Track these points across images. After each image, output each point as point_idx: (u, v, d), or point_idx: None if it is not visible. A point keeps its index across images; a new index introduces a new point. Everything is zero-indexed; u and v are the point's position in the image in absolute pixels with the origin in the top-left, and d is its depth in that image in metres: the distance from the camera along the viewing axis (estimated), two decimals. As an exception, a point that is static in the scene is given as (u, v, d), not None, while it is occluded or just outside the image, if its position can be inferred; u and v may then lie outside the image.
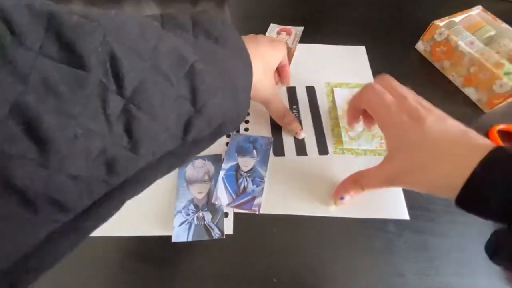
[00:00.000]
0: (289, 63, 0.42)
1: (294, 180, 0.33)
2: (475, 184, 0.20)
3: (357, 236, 0.30)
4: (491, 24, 0.43)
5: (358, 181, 0.28)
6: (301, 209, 0.31)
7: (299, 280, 0.28)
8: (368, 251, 0.29)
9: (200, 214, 0.30)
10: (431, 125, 0.23)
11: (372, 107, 0.27)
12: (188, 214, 0.30)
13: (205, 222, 0.30)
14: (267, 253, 0.29)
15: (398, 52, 0.46)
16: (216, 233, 0.29)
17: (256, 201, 0.31)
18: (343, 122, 0.37)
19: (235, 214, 0.31)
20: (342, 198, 0.29)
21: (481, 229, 0.31)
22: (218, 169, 0.33)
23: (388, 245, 0.30)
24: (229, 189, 0.32)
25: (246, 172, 0.33)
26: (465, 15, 0.45)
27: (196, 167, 0.33)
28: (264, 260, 0.29)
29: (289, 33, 0.46)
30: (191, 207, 0.30)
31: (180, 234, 0.29)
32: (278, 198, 0.32)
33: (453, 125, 0.23)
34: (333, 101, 0.39)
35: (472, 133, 0.23)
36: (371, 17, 0.51)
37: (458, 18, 0.44)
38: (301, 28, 0.46)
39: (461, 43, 0.39)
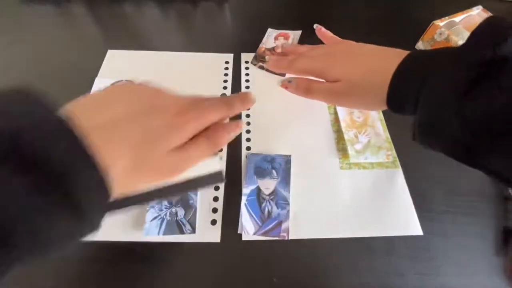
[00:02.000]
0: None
1: (316, 201, 0.32)
2: (400, 78, 0.25)
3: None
4: (491, 24, 0.43)
5: (310, 91, 0.32)
6: (326, 232, 0.30)
7: (298, 280, 0.28)
8: (368, 251, 0.29)
9: (173, 210, 0.30)
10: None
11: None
12: (161, 210, 0.30)
13: (177, 218, 0.30)
14: (267, 253, 0.29)
15: (398, 52, 0.46)
16: (187, 229, 0.29)
17: (284, 226, 0.30)
18: (347, 135, 0.35)
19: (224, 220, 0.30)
20: (290, 82, 0.34)
21: (481, 229, 0.31)
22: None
23: (388, 245, 0.30)
24: (254, 215, 0.30)
25: (268, 195, 0.31)
26: (466, 15, 0.45)
27: None
28: (263, 259, 0.29)
29: (287, 38, 0.45)
30: (165, 202, 0.30)
31: (151, 230, 0.29)
32: (304, 222, 0.30)
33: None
34: (335, 113, 0.38)
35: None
36: (371, 17, 0.51)
37: (458, 18, 0.44)
38: (298, 32, 0.45)
39: (461, 43, 0.39)
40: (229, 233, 0.29)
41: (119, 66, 0.42)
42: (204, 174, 0.26)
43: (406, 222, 0.31)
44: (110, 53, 0.44)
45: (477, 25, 0.22)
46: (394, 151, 0.35)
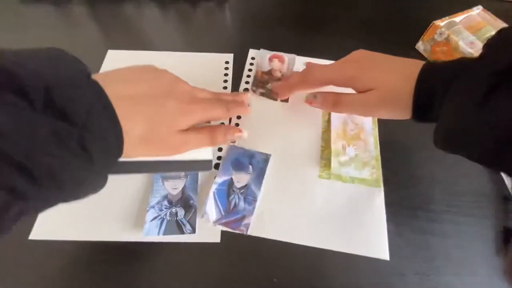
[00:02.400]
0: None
1: (286, 204, 0.31)
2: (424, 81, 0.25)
3: (357, 236, 0.30)
4: (492, 24, 0.43)
5: (338, 105, 0.30)
6: (289, 236, 0.30)
7: (298, 280, 0.28)
8: (368, 251, 0.29)
9: (173, 210, 0.30)
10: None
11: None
12: (161, 210, 0.30)
13: (177, 218, 0.30)
14: (267, 253, 0.29)
15: (398, 52, 0.45)
16: (187, 229, 0.29)
17: (245, 221, 0.30)
18: (335, 145, 0.34)
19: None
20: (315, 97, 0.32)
21: (481, 229, 0.31)
22: None
23: (388, 245, 0.30)
24: (219, 205, 0.30)
25: (239, 188, 0.31)
26: (466, 15, 0.45)
27: None
28: (263, 259, 0.29)
29: (281, 61, 0.43)
30: (165, 202, 0.30)
31: (151, 230, 0.29)
32: (268, 221, 0.30)
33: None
34: (329, 122, 0.36)
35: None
36: (371, 17, 0.51)
37: (458, 18, 0.44)
38: (293, 56, 0.43)
39: (461, 43, 0.39)
40: (229, 233, 0.29)
41: (119, 66, 0.42)
42: (195, 159, 0.28)
43: (375, 244, 0.30)
44: (110, 53, 0.43)
45: (492, 36, 0.22)
46: (380, 170, 0.33)
